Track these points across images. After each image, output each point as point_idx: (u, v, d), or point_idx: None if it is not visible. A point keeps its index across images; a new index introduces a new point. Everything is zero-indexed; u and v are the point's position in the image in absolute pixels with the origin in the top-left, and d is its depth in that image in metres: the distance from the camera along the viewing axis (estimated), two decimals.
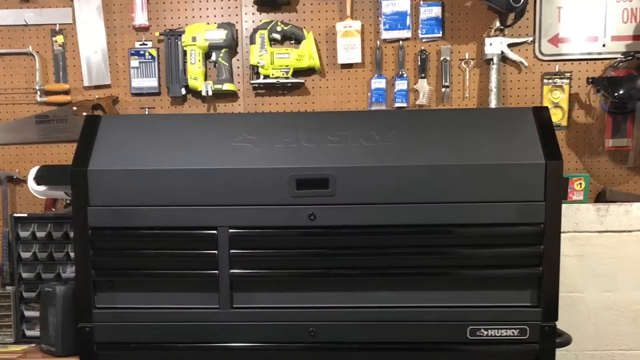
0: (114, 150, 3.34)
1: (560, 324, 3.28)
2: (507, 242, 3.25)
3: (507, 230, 3.21)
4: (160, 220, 3.28)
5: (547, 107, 3.48)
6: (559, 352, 3.44)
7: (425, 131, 3.37)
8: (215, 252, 3.27)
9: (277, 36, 4.48)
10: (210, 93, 4.44)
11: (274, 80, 4.46)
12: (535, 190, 3.21)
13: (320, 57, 4.48)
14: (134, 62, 4.53)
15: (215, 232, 3.26)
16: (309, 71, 4.52)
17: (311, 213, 3.23)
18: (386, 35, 4.47)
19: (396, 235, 3.25)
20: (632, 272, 4.23)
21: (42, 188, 3.98)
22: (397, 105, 4.47)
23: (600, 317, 4.28)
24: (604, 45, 4.39)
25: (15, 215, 4.18)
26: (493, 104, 4.34)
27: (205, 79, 4.53)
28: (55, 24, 4.57)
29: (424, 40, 4.47)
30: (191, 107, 4.60)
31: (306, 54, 4.41)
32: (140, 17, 4.52)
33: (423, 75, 4.45)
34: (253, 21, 4.53)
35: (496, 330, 3.24)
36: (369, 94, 4.50)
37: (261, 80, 4.48)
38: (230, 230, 3.26)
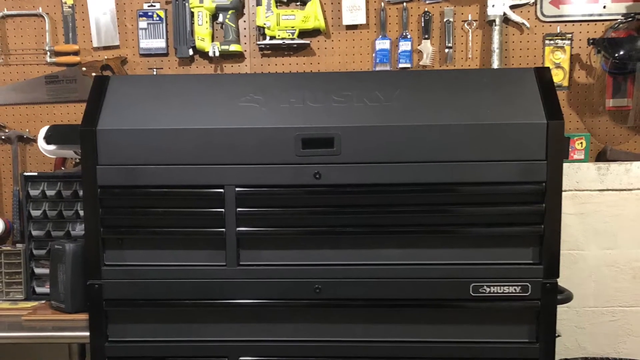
0: (122, 110, 3.37)
1: (561, 281, 3.31)
2: (509, 200, 3.29)
3: (509, 188, 3.25)
4: (168, 178, 3.33)
5: (548, 68, 3.51)
6: (561, 309, 3.50)
7: (429, 91, 3.40)
8: (222, 210, 3.32)
9: None
10: (217, 54, 4.48)
11: (280, 42, 4.49)
12: (536, 150, 3.24)
13: (325, 19, 4.51)
14: (142, 24, 4.57)
15: (222, 190, 3.31)
16: (314, 32, 4.56)
17: (316, 172, 3.27)
18: None
19: (400, 193, 3.30)
20: (632, 230, 4.29)
21: (51, 147, 4.03)
22: (401, 65, 4.51)
23: (601, 274, 4.35)
24: (604, 7, 4.40)
25: (26, 174, 4.20)
26: (495, 64, 4.37)
27: (212, 40, 4.57)
28: None
29: (427, 2, 4.49)
30: (198, 68, 4.64)
31: (312, 15, 4.44)
32: None
33: (426, 36, 4.48)
34: None
35: (498, 287, 3.29)
36: (373, 54, 4.53)
37: (267, 41, 4.52)
38: (237, 189, 3.30)
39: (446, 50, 4.49)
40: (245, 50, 4.60)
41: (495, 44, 4.36)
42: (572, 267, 4.31)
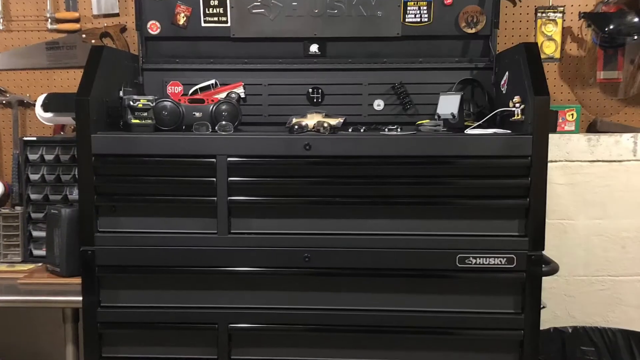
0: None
1: (551, 250, 3.37)
2: (496, 173, 3.33)
3: (495, 162, 3.29)
4: (162, 148, 3.38)
5: (536, 44, 3.55)
6: (550, 277, 3.54)
7: None
8: (214, 179, 3.37)
9: None
10: None
11: None
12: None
13: None
14: None
15: (214, 160, 3.36)
16: None
17: (307, 143, 3.31)
18: None
19: (388, 165, 3.34)
20: (622, 201, 4.34)
21: (48, 115, 4.07)
22: None
23: (591, 244, 4.39)
24: None
25: (25, 138, 4.22)
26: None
27: None
28: None
29: None
30: None
31: None
32: None
33: None
34: None
35: (484, 259, 3.34)
36: None
37: None
38: (228, 159, 3.35)
39: None
40: None
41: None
42: (561, 236, 4.34)
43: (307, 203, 3.41)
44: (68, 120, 4.14)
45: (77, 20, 4.59)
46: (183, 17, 4.16)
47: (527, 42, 3.53)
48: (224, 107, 3.75)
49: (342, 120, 3.71)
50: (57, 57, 4.60)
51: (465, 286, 3.42)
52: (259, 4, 4.13)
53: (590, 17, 4.22)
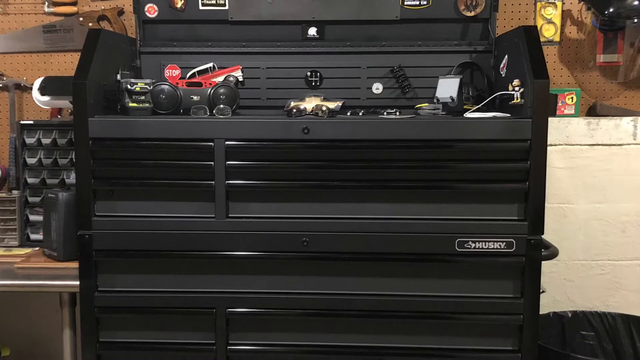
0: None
1: (550, 234, 3.36)
2: (495, 157, 3.32)
3: (494, 145, 3.28)
4: (159, 131, 3.37)
5: (535, 27, 3.53)
6: (550, 262, 3.54)
7: None
8: (212, 163, 3.35)
9: None
10: None
11: None
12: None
13: None
14: None
15: (212, 144, 3.34)
16: None
17: (305, 127, 3.30)
18: None
19: (387, 149, 3.33)
20: (621, 185, 4.33)
21: (46, 98, 4.05)
22: None
23: (590, 228, 4.39)
24: None
25: (22, 122, 4.20)
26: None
27: None
28: None
29: None
30: None
31: None
32: None
33: None
34: None
35: (483, 243, 3.33)
36: None
37: None
38: (226, 143, 3.33)
39: None
40: None
41: None
42: (561, 220, 4.34)
43: (305, 187, 3.40)
44: (65, 103, 4.12)
45: (74, 3, 4.57)
46: (181, 0, 4.14)
47: (526, 25, 3.51)
48: (221, 90, 3.72)
49: (340, 104, 3.68)
50: (54, 40, 4.58)
51: (465, 270, 3.41)
52: None
53: (590, 0, 4.19)
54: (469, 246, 3.34)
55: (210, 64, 4.10)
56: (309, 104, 3.67)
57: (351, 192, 3.40)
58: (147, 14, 4.16)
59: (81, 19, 4.53)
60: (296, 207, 3.41)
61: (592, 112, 4.42)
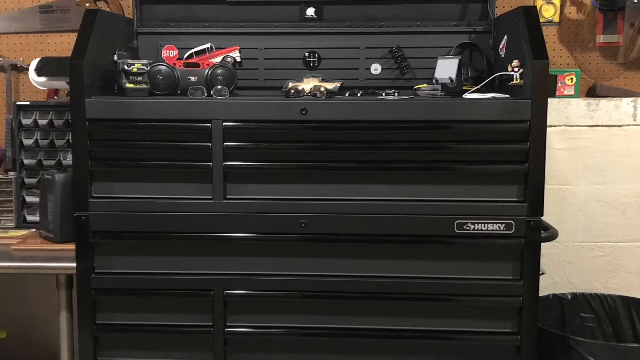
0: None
1: (550, 216, 3.35)
2: (494, 138, 3.30)
3: (494, 126, 3.27)
4: (156, 112, 3.35)
5: (535, 7, 3.51)
6: (549, 243, 3.53)
7: None
8: (210, 144, 3.34)
9: None
10: None
11: None
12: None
13: None
14: None
15: (209, 125, 3.32)
16: None
17: (303, 107, 3.28)
18: None
19: (385, 130, 3.32)
20: (621, 166, 4.31)
21: (42, 79, 4.04)
22: None
23: (590, 209, 4.37)
24: None
25: (18, 103, 4.18)
26: None
27: None
28: None
29: None
30: None
31: None
32: None
33: None
34: None
35: (482, 225, 3.32)
36: None
37: None
38: (224, 124, 3.32)
39: None
40: None
41: None
42: (561, 202, 4.32)
43: (303, 168, 3.38)
44: (62, 84, 4.10)
45: None
46: None
47: (526, 6, 3.50)
48: (219, 71, 3.70)
49: (338, 85, 3.67)
50: (51, 20, 4.56)
51: (464, 252, 3.39)
52: None
53: None
54: (468, 228, 3.32)
55: (208, 45, 4.07)
56: (307, 84, 3.65)
57: (349, 173, 3.38)
58: None
59: None
60: (294, 188, 3.40)
61: (592, 93, 4.39)
